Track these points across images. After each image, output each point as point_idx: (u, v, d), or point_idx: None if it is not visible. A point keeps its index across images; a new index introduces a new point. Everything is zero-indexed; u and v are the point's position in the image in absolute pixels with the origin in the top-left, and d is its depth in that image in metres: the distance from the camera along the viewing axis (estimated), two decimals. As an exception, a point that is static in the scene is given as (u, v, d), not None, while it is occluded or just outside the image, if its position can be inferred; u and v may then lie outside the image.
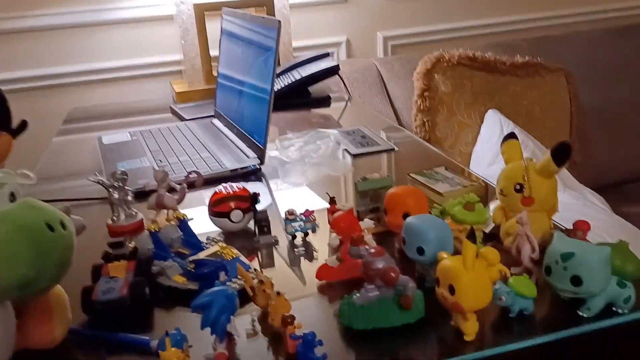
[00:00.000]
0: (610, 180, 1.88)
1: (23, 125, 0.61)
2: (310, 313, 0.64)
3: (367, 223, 0.70)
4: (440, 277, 0.57)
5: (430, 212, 0.72)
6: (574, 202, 1.36)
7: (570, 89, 1.76)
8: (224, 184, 0.84)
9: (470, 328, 0.56)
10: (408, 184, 0.87)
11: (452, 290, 0.55)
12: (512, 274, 0.61)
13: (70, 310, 0.61)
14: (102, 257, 0.68)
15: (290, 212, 0.79)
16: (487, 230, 0.75)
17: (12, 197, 0.51)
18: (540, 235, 0.68)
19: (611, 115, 1.87)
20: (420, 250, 0.63)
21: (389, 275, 0.57)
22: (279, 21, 1.00)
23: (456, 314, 0.57)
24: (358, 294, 0.59)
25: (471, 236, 0.56)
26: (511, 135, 0.74)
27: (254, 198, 0.79)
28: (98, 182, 0.82)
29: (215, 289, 0.55)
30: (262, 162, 1.05)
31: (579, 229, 0.66)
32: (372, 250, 0.59)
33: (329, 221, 0.81)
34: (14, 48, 1.58)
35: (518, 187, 0.68)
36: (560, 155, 0.66)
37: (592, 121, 1.83)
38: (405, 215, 0.69)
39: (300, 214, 0.79)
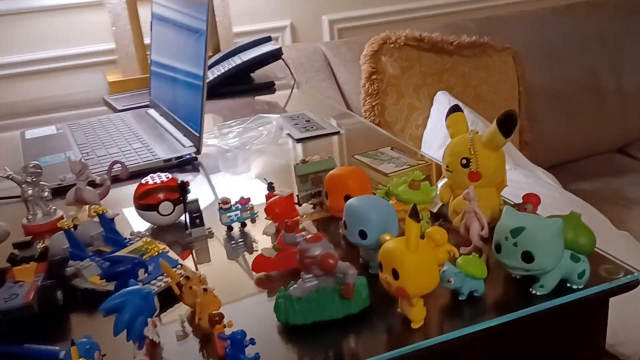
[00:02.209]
0: (560, 158, 1.89)
1: None
2: (248, 310, 0.58)
3: (305, 208, 0.64)
4: (382, 261, 0.52)
5: (374, 194, 0.67)
6: (526, 180, 1.35)
7: (517, 69, 1.74)
8: (151, 175, 0.77)
9: (417, 315, 0.52)
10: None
11: (395, 274, 0.50)
12: (461, 254, 0.57)
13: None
14: (7, 260, 0.60)
15: (225, 201, 0.72)
16: (434, 210, 0.71)
17: None
18: (490, 212, 0.64)
19: (559, 94, 1.88)
20: (363, 234, 0.58)
21: (327, 262, 0.51)
22: (209, 0, 0.93)
23: (402, 300, 0.52)
24: (294, 285, 0.53)
25: (413, 216, 0.51)
26: (455, 109, 0.69)
27: (183, 187, 0.73)
28: (8, 178, 0.74)
29: (129, 289, 0.48)
30: (198, 151, 0.98)
31: (529, 202, 0.63)
32: (309, 236, 0.54)
33: (264, 210, 0.75)
34: None
35: (464, 161, 0.64)
36: (507, 125, 0.61)
37: (541, 100, 1.83)
38: (347, 198, 0.64)
39: (236, 202, 0.73)
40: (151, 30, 1.22)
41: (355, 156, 0.82)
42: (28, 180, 0.73)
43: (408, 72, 1.56)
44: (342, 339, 0.53)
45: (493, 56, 1.70)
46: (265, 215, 0.69)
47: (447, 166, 0.66)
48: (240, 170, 0.96)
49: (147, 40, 1.42)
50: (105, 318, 0.58)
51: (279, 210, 0.63)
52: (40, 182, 0.75)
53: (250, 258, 0.68)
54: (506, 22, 1.87)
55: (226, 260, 0.69)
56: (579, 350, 0.59)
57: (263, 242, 0.71)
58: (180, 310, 0.58)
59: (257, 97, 1.37)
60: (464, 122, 0.68)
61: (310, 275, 0.53)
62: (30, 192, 0.74)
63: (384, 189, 0.69)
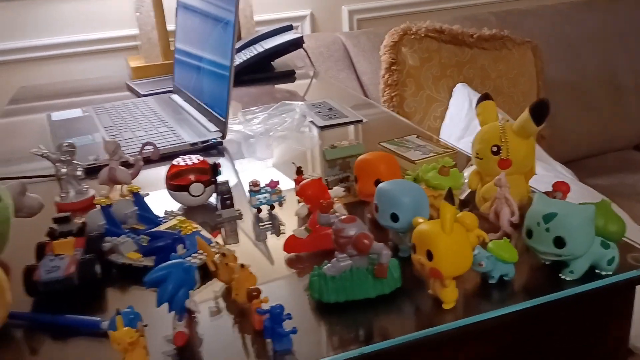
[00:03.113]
0: (577, 153, 1.89)
1: None
2: (278, 289, 0.60)
3: (336, 191, 0.65)
4: (416, 243, 0.53)
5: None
6: (546, 173, 1.35)
7: (537, 62, 1.74)
8: (182, 156, 0.78)
9: (449, 296, 0.53)
10: (379, 152, 0.83)
11: (429, 256, 0.51)
12: (490, 240, 0.58)
13: (9, 293, 0.54)
14: (47, 235, 0.61)
15: (255, 183, 0.73)
16: (462, 197, 0.72)
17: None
18: (518, 199, 0.65)
19: (577, 89, 1.87)
20: (394, 217, 0.59)
21: (362, 242, 0.52)
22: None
23: (434, 281, 0.53)
24: (329, 264, 0.55)
25: (448, 199, 0.52)
26: (486, 96, 0.70)
27: (215, 169, 0.74)
28: (42, 156, 0.75)
29: (172, 262, 0.50)
30: (224, 136, 0.99)
31: (559, 190, 0.63)
32: (343, 217, 0.55)
33: (296, 192, 0.76)
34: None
35: (495, 149, 0.65)
36: (539, 113, 0.62)
37: (559, 95, 1.83)
38: (377, 182, 0.65)
39: (266, 185, 0.74)
40: (176, 18, 1.23)
41: (381, 143, 0.83)
42: (62, 159, 0.75)
43: (428, 63, 1.57)
44: (374, 317, 0.54)
45: (513, 49, 1.70)
46: (292, 199, 0.70)
47: (477, 153, 0.67)
48: (263, 155, 0.97)
49: (169, 27, 1.43)
50: (141, 292, 0.60)
51: (311, 193, 0.64)
52: (74, 161, 0.76)
53: (277, 240, 0.69)
54: (526, 16, 1.87)
55: (254, 241, 0.70)
56: (606, 336, 0.60)
57: (290, 225, 0.73)
58: (214, 287, 0.60)
59: (277, 86, 1.38)
60: (494, 110, 0.69)
61: (345, 254, 0.54)
62: (64, 170, 0.75)
63: (412, 175, 0.69)
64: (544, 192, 0.66)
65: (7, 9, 1.51)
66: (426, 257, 0.51)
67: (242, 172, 0.91)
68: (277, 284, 0.61)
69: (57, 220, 0.61)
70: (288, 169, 0.89)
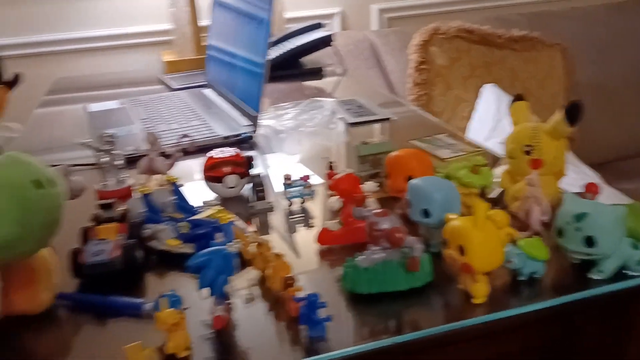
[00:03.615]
0: (604, 156, 1.87)
1: (16, 78, 0.57)
2: (310, 279, 0.62)
3: (369, 186, 0.67)
4: (449, 238, 0.54)
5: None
6: (574, 176, 1.34)
7: (566, 65, 1.73)
8: (218, 149, 0.80)
9: (480, 290, 0.54)
10: (409, 150, 0.84)
11: (462, 251, 0.52)
12: (520, 238, 0.59)
13: (57, 274, 0.57)
14: (91, 220, 0.64)
15: (288, 177, 0.75)
16: (492, 196, 0.73)
17: (-2, 150, 0.47)
18: (548, 199, 0.66)
19: (606, 92, 1.86)
20: (426, 213, 0.60)
21: (395, 236, 0.54)
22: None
23: (465, 275, 0.55)
24: (362, 256, 0.56)
25: (482, 196, 0.53)
26: (519, 97, 0.71)
27: (250, 162, 0.76)
28: (85, 145, 0.78)
29: (213, 248, 0.52)
30: (255, 130, 1.01)
31: (589, 192, 0.64)
32: (377, 211, 0.56)
33: (328, 186, 0.78)
34: (-5, 15, 1.52)
35: (527, 149, 0.66)
36: (573, 114, 0.63)
37: (587, 97, 1.81)
38: (409, 179, 0.66)
39: (298, 178, 0.76)
40: (211, 15, 1.26)
41: (411, 141, 0.85)
42: (104, 148, 0.78)
43: (456, 63, 1.57)
44: (405, 309, 0.55)
45: (542, 51, 1.69)
46: (322, 193, 0.71)
47: (509, 153, 0.68)
48: (294, 150, 0.99)
49: (202, 23, 1.46)
50: (178, 278, 0.62)
51: (345, 187, 0.66)
52: (114, 151, 0.79)
53: (308, 232, 0.71)
54: (556, 18, 1.86)
55: (286, 233, 0.72)
56: (634, 337, 0.61)
57: (321, 218, 0.74)
58: (248, 275, 0.62)
59: (305, 82, 1.40)
60: (527, 110, 0.70)
61: (378, 247, 0.56)
62: (105, 159, 0.78)
63: (443, 172, 0.71)
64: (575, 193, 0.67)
65: (46, 3, 1.56)
66: (458, 252, 0.53)
67: (272, 166, 0.93)
68: (309, 275, 0.63)
69: (101, 207, 0.63)
70: (317, 164, 0.91)
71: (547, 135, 0.65)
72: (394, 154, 0.71)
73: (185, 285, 0.61)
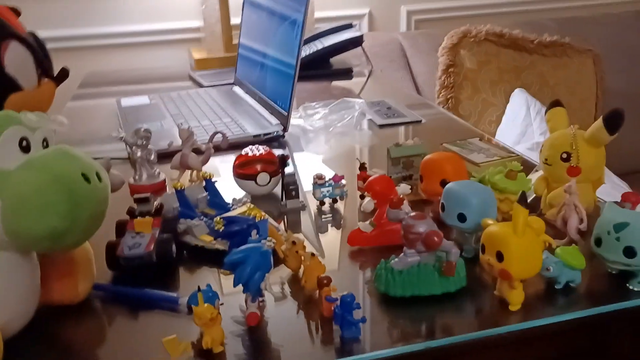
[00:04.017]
0: (633, 166, 1.83)
1: (64, 73, 0.58)
2: (340, 279, 0.61)
3: (403, 188, 0.66)
4: (486, 244, 0.54)
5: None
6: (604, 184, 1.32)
7: (597, 71, 1.71)
8: (250, 146, 0.81)
9: (516, 297, 0.54)
10: (441, 153, 0.83)
11: (499, 257, 0.52)
12: (557, 246, 0.58)
13: (94, 266, 0.58)
14: (127, 213, 0.65)
15: (320, 177, 0.75)
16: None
17: (45, 143, 0.48)
18: (585, 207, 0.65)
19: (636, 100, 1.82)
20: (462, 217, 0.60)
21: (432, 239, 0.53)
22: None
23: (501, 282, 0.54)
24: (396, 259, 0.56)
25: (521, 202, 0.52)
26: (557, 103, 0.70)
27: (283, 160, 0.76)
28: (121, 139, 0.79)
29: (250, 245, 0.52)
30: (285, 129, 1.02)
31: (628, 201, 0.63)
32: (414, 214, 0.56)
33: (358, 187, 0.78)
34: (30, 8, 1.54)
35: (565, 155, 0.65)
36: (613, 122, 0.62)
37: (618, 105, 1.78)
38: (443, 182, 0.66)
39: (330, 178, 0.76)
40: (242, 14, 1.27)
41: (443, 144, 0.84)
42: (139, 143, 0.79)
43: (485, 67, 1.56)
44: (439, 314, 0.55)
45: (573, 57, 1.67)
46: (352, 193, 0.71)
47: (546, 159, 0.67)
48: (322, 150, 0.99)
49: (232, 21, 1.47)
50: (211, 273, 0.63)
51: (379, 189, 0.65)
52: (149, 146, 0.80)
53: (338, 233, 0.71)
54: (588, 24, 1.83)
55: (315, 233, 0.72)
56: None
57: (351, 218, 0.74)
58: (280, 273, 0.62)
59: (333, 82, 1.40)
60: (565, 116, 0.69)
61: (413, 250, 0.55)
62: (139, 154, 0.79)
63: (478, 177, 0.70)
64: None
65: (80, -2, 1.58)
66: (496, 258, 0.52)
67: (300, 165, 0.93)
68: (339, 275, 0.62)
69: (137, 200, 0.64)
70: (346, 164, 0.91)
71: (586, 142, 0.65)
72: (428, 157, 0.70)
73: (217, 281, 0.61)
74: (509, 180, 0.66)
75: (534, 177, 0.73)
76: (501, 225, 0.53)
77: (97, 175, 0.48)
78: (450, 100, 1.53)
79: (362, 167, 0.78)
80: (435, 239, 0.53)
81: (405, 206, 0.65)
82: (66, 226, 0.44)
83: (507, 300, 0.54)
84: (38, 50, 0.55)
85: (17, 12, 0.57)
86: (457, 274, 0.56)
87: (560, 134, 0.66)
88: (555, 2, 1.94)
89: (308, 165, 0.93)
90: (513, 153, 0.81)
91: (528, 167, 0.84)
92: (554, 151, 0.66)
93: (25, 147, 0.45)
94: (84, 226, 0.47)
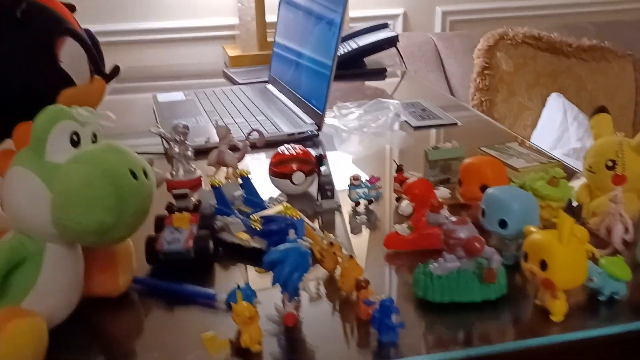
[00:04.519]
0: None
1: (115, 70, 0.59)
2: (376, 282, 0.61)
3: (442, 192, 0.66)
4: (529, 252, 0.52)
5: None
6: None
7: (637, 77, 1.66)
8: (286, 145, 0.81)
9: (559, 308, 0.52)
10: (478, 157, 0.82)
11: (543, 265, 0.51)
12: (600, 256, 0.57)
13: (134, 259, 0.59)
14: (165, 208, 0.66)
15: (356, 178, 0.75)
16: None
17: (94, 137, 0.48)
18: (630, 217, 0.63)
19: (678, 107, 1.77)
20: (503, 223, 0.59)
21: (474, 245, 0.53)
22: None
23: (544, 291, 0.53)
24: (435, 264, 0.55)
25: (568, 210, 0.51)
26: (602, 109, 0.68)
27: (320, 160, 0.76)
28: (159, 135, 0.80)
29: (289, 245, 0.52)
30: (319, 129, 1.01)
31: (677, 213, 0.61)
32: (454, 218, 0.55)
33: (394, 189, 0.77)
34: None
35: (610, 163, 0.63)
36: (664, 130, 0.60)
37: (658, 112, 1.74)
38: (483, 187, 0.65)
39: (366, 180, 0.76)
40: (278, 13, 1.27)
41: (482, 148, 0.83)
42: (177, 138, 0.79)
43: (522, 70, 1.53)
44: (478, 321, 0.54)
45: (612, 62, 1.63)
46: (387, 195, 0.70)
47: (590, 166, 0.65)
48: (356, 150, 0.99)
49: (267, 19, 1.47)
50: (247, 271, 0.63)
51: (418, 192, 0.65)
52: (186, 142, 0.80)
53: (373, 234, 0.70)
54: (628, 28, 1.79)
55: (350, 234, 0.72)
56: None
57: (386, 221, 0.74)
58: (316, 273, 0.62)
59: (367, 82, 1.39)
60: (610, 123, 0.67)
61: (453, 255, 0.54)
62: (177, 150, 0.80)
63: (518, 182, 0.69)
64: (661, 213, 0.64)
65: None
66: (539, 266, 0.51)
67: (333, 165, 0.93)
68: (374, 277, 0.62)
69: (176, 196, 0.65)
70: (378, 165, 0.90)
71: (633, 150, 0.63)
72: (468, 160, 0.69)
73: (252, 279, 0.61)
74: (551, 187, 0.65)
75: (575, 184, 0.71)
76: (545, 233, 0.52)
77: (144, 171, 0.48)
78: (484, 103, 1.51)
79: (399, 169, 0.77)
80: (477, 245, 0.53)
81: (444, 210, 0.64)
82: (113, 221, 0.45)
83: (549, 310, 0.53)
84: (92, 47, 0.56)
85: (72, 8, 0.58)
86: (498, 281, 0.55)
87: (605, 141, 0.65)
88: (595, 5, 1.90)
89: (341, 165, 0.92)
90: (553, 159, 0.80)
91: (568, 173, 0.82)
92: (599, 158, 0.64)
93: (75, 141, 0.46)
94: (129, 222, 0.48)
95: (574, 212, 0.51)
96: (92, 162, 0.45)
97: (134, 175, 0.46)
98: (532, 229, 0.54)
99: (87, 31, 0.58)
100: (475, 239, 0.53)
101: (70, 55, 0.53)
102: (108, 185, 0.44)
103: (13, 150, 0.51)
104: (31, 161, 0.46)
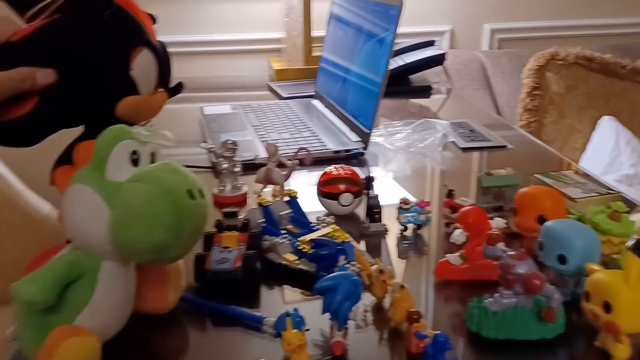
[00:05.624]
0: None
1: (179, 86, 0.60)
2: (424, 310, 0.59)
3: (498, 222, 0.64)
4: (592, 292, 0.50)
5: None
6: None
7: (695, 102, 1.60)
8: (335, 165, 0.80)
9: (622, 352, 0.50)
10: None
11: (607, 307, 0.48)
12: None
13: (184, 277, 0.59)
14: (214, 226, 0.66)
15: (405, 201, 0.74)
16: (628, 245, 0.67)
17: (152, 157, 0.49)
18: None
19: None
20: (562, 259, 0.56)
21: (533, 283, 0.51)
22: (399, 9, 0.95)
23: (607, 334, 0.50)
24: (491, 298, 0.53)
25: (635, 250, 0.49)
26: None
27: (369, 182, 0.75)
28: (209, 150, 0.81)
29: (340, 273, 0.51)
30: (366, 147, 1.00)
31: None
32: (512, 253, 0.53)
33: (444, 215, 0.75)
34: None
35: (678, 199, 0.60)
36: None
37: None
38: (540, 218, 0.63)
39: (415, 204, 0.74)
40: (327, 28, 1.27)
41: (535, 175, 0.80)
42: (225, 154, 0.80)
43: (573, 91, 1.49)
44: (534, 361, 0.52)
45: (669, 85, 1.57)
46: (435, 220, 0.68)
47: (656, 201, 0.62)
48: (402, 170, 0.97)
49: (314, 34, 1.48)
50: (292, 294, 0.62)
51: (472, 220, 0.63)
52: (234, 158, 0.81)
53: (419, 260, 0.69)
54: (686, 50, 1.72)
55: (396, 259, 0.70)
56: None
57: (434, 247, 0.72)
58: (364, 300, 0.60)
59: (411, 100, 1.38)
60: (678, 157, 0.64)
61: (510, 291, 0.52)
62: (225, 165, 0.80)
63: (576, 215, 0.66)
64: None
65: (167, 4, 1.63)
66: (603, 308, 0.49)
67: (378, 184, 0.92)
68: (421, 305, 0.60)
69: (225, 214, 0.64)
70: (424, 187, 0.88)
71: None
72: (525, 190, 0.67)
73: (299, 302, 0.60)
74: (613, 221, 0.62)
75: (636, 217, 0.68)
76: (610, 273, 0.50)
77: (201, 192, 0.48)
78: (533, 124, 1.47)
79: (450, 194, 0.75)
80: (537, 282, 0.50)
81: (501, 243, 0.62)
82: (170, 240, 0.45)
83: (611, 354, 0.50)
84: (164, 61, 0.57)
85: (153, 19, 0.59)
86: (556, 319, 0.53)
87: (674, 176, 0.62)
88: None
89: (386, 185, 0.91)
90: (612, 190, 0.76)
91: (628, 206, 0.79)
92: (667, 194, 0.61)
93: (135, 160, 0.47)
94: (185, 241, 0.48)
95: (639, 246, 0.48)
96: (153, 182, 0.45)
97: (192, 196, 0.46)
98: (595, 267, 0.52)
99: (162, 44, 0.59)
100: (535, 275, 0.51)
101: (142, 65, 0.54)
102: (168, 204, 0.44)
103: (72, 167, 0.52)
104: (92, 179, 0.46)
